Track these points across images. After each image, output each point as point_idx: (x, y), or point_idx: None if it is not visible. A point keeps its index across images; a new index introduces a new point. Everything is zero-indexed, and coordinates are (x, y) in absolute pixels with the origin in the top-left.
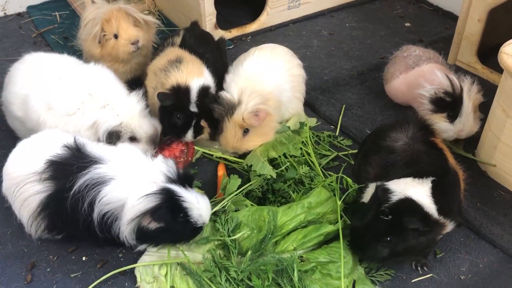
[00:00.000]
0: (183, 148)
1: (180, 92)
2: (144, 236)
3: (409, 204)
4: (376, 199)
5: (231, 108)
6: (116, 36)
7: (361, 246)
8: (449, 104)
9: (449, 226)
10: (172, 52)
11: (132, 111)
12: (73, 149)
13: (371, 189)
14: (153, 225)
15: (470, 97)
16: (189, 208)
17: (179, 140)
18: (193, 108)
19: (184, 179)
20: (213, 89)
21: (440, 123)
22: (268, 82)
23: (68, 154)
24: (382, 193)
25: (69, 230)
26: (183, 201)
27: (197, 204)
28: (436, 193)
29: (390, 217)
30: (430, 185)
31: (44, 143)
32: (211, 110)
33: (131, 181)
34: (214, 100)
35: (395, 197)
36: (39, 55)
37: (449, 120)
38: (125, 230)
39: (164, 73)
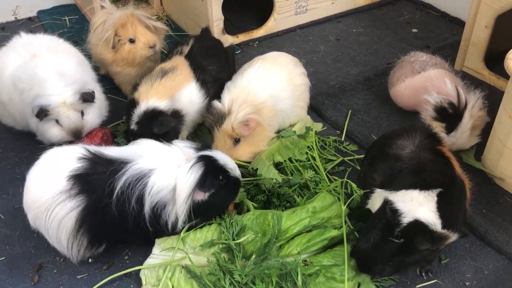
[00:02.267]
0: (102, 135)
1: (129, 108)
2: (200, 210)
3: (418, 226)
4: (384, 219)
5: (221, 117)
6: (132, 41)
7: (370, 267)
8: (450, 116)
9: (453, 237)
10: (174, 61)
11: (63, 100)
12: (92, 158)
13: (376, 196)
14: (206, 196)
15: (472, 114)
16: (224, 165)
17: (99, 128)
18: (133, 126)
19: (206, 146)
20: (182, 113)
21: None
22: (262, 92)
23: (89, 164)
24: (392, 215)
25: (114, 237)
26: (217, 161)
27: (227, 159)
28: (442, 207)
29: (402, 240)
30: (435, 199)
31: (56, 162)
32: (167, 133)
33: (171, 165)
34: (165, 126)
35: (405, 220)
36: (25, 36)
37: (446, 131)
38: (183, 210)
39: (144, 81)
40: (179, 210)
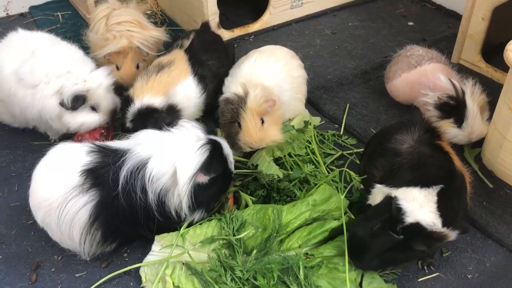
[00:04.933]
0: (102, 131)
1: (124, 105)
2: (199, 194)
3: (418, 229)
4: (387, 212)
5: (241, 100)
6: (117, 68)
7: (360, 256)
8: (454, 108)
9: (453, 235)
10: (172, 55)
11: (99, 83)
12: (101, 151)
13: (377, 192)
14: (206, 179)
15: (474, 99)
16: (226, 155)
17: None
18: (128, 124)
19: (212, 132)
20: (178, 107)
21: (449, 129)
22: (267, 80)
23: (99, 157)
24: (397, 213)
25: (126, 231)
26: (223, 149)
27: (229, 151)
28: (442, 206)
29: (401, 237)
30: (436, 198)
31: (64, 159)
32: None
33: (169, 150)
34: (160, 123)
35: (408, 219)
36: (22, 33)
37: (457, 124)
38: (185, 192)
39: (140, 76)
40: (181, 190)
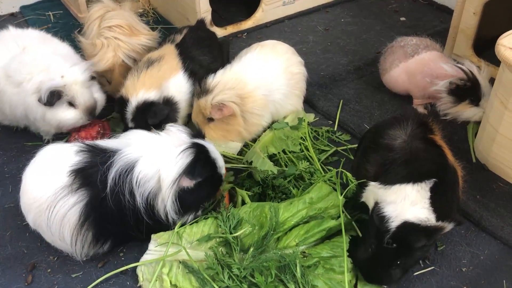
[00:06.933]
0: (99, 129)
1: (120, 106)
2: (185, 198)
3: (408, 228)
4: (375, 226)
5: (203, 92)
6: (108, 81)
7: (376, 276)
8: (468, 90)
9: (448, 227)
10: (163, 50)
11: (75, 78)
12: (90, 150)
13: (370, 190)
14: (191, 183)
15: (483, 75)
16: (214, 159)
17: (95, 121)
18: (130, 124)
19: (200, 135)
20: (174, 100)
21: (467, 110)
22: (252, 81)
23: (88, 157)
24: (380, 224)
25: (118, 232)
26: (210, 153)
27: (218, 155)
28: (435, 200)
29: (394, 245)
30: (428, 194)
31: (53, 159)
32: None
33: (157, 153)
34: (159, 115)
35: (393, 224)
36: (13, 30)
37: (474, 104)
38: (168, 196)
39: (131, 74)
40: (164, 195)
